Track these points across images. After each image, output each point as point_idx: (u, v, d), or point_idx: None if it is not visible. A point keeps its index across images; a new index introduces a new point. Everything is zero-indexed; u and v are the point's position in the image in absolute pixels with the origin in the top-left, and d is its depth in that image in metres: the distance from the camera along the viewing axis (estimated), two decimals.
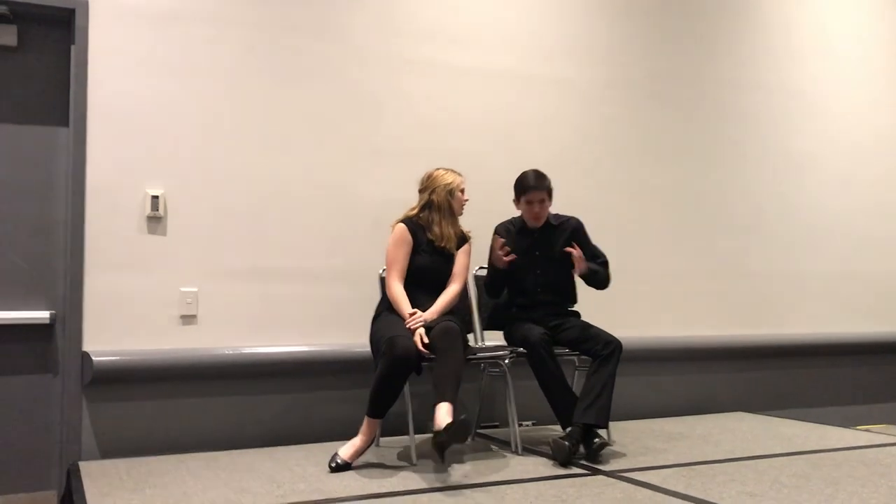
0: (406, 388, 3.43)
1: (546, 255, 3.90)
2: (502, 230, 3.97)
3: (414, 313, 3.50)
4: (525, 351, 3.70)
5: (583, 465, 3.48)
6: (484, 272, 4.05)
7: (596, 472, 3.37)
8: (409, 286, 3.68)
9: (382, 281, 3.86)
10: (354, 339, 3.91)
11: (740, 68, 5.24)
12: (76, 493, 3.09)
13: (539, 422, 4.33)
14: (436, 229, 3.74)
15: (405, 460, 3.49)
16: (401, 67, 4.33)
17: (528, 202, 3.87)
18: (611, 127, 4.85)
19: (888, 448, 3.94)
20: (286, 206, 4.07)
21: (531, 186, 3.85)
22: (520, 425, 3.82)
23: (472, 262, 3.89)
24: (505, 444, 3.85)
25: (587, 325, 3.81)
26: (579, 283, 3.99)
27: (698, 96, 5.11)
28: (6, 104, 3.74)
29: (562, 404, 3.64)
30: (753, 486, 3.14)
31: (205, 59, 3.94)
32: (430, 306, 3.59)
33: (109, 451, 3.64)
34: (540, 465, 3.47)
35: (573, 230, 3.95)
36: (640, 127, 4.93)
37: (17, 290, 3.71)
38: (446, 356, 3.31)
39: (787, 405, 5.14)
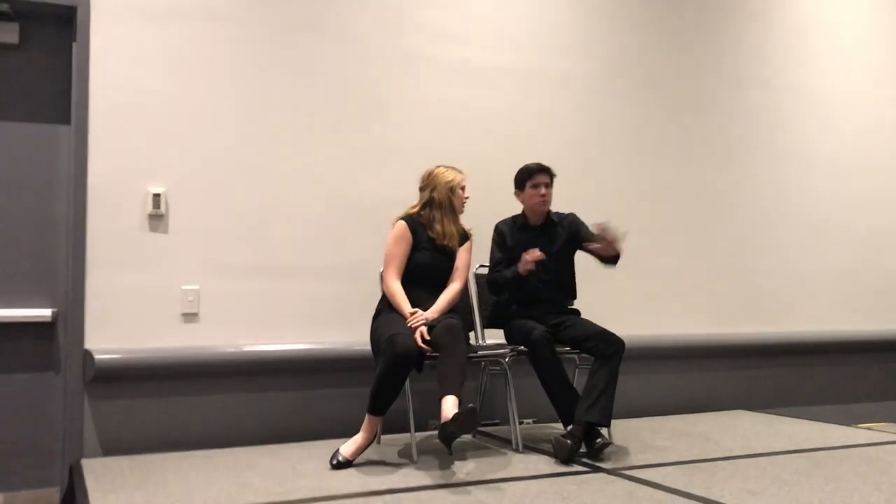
0: (407, 386, 3.44)
1: (547, 251, 3.89)
2: (503, 227, 3.97)
3: (414, 313, 3.50)
4: (526, 349, 3.70)
5: (584, 462, 3.48)
6: (485, 270, 4.05)
7: (597, 469, 3.38)
8: (409, 283, 3.67)
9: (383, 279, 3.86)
10: (356, 337, 3.91)
11: (743, 65, 5.23)
12: (78, 490, 3.10)
13: (539, 419, 4.34)
14: (437, 227, 3.74)
15: (406, 457, 3.50)
16: (402, 65, 4.34)
17: (535, 185, 3.86)
18: (611, 125, 4.85)
19: (889, 446, 3.94)
20: (287, 203, 4.07)
21: (537, 170, 3.86)
22: (520, 423, 3.82)
23: (472, 260, 3.89)
24: (506, 442, 3.85)
25: (589, 324, 3.80)
26: (579, 282, 4.00)
27: (699, 93, 5.10)
28: (8, 102, 3.74)
29: (563, 402, 3.64)
30: (754, 483, 3.14)
31: (207, 57, 3.94)
32: (430, 303, 3.60)
33: (112, 448, 3.64)
34: (541, 463, 3.48)
35: (574, 223, 3.94)
36: (641, 124, 4.93)
37: (19, 287, 3.72)
38: (450, 352, 3.32)
39: (787, 403, 5.13)
